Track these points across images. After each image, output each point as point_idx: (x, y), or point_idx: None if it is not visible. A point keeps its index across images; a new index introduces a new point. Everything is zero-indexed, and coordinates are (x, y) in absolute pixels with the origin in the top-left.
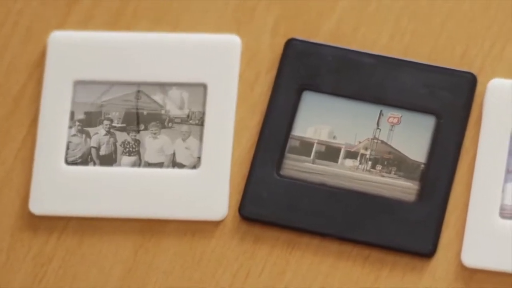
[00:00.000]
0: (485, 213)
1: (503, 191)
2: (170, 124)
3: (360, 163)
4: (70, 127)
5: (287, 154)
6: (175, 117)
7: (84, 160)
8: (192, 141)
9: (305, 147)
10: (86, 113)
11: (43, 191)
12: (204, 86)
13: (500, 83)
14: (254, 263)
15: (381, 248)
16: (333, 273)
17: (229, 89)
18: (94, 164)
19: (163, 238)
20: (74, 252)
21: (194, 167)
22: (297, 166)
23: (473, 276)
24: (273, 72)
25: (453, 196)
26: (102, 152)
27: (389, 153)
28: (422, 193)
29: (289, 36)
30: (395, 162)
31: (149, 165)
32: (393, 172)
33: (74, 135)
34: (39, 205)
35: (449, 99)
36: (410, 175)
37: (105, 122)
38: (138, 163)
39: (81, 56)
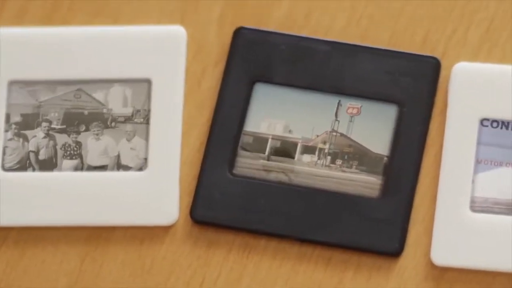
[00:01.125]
0: (455, 207)
1: (473, 182)
2: (113, 124)
3: (319, 158)
4: (6, 131)
5: (240, 152)
6: (119, 116)
7: (23, 165)
8: (138, 141)
9: (259, 143)
10: (22, 115)
11: None
12: (148, 82)
13: (465, 67)
14: (209, 269)
15: (344, 249)
16: (294, 277)
17: (175, 84)
18: (33, 169)
19: (110, 246)
20: (16, 264)
21: (141, 169)
22: (251, 164)
23: (444, 275)
24: (222, 65)
25: (420, 190)
26: (42, 156)
27: (349, 146)
28: (386, 188)
29: (237, 25)
30: (356, 155)
31: (93, 168)
32: (354, 166)
33: (10, 139)
34: None
35: (411, 86)
36: (373, 169)
37: (44, 124)
38: (80, 167)
39: (15, 53)
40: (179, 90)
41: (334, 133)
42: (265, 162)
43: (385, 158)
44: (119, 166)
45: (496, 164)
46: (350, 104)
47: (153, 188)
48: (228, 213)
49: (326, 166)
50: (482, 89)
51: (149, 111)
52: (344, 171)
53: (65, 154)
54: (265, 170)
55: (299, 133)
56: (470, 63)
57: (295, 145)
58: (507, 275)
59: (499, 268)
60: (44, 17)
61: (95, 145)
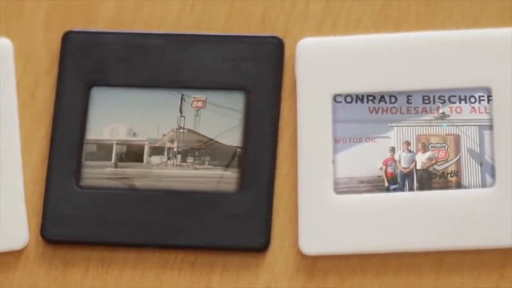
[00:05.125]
0: (318, 191)
1: (333, 163)
2: None
3: (169, 158)
4: None
5: (85, 162)
6: None
7: None
8: None
9: (104, 150)
10: None
11: None
12: None
13: (310, 43)
14: None
15: (208, 250)
16: (159, 286)
17: (8, 100)
18: None
19: None
20: None
21: None
22: (98, 174)
23: (316, 265)
24: (54, 72)
25: (279, 178)
26: None
27: (199, 141)
28: (243, 181)
29: (65, 29)
30: (207, 151)
31: None
32: (207, 162)
33: None
34: None
35: (256, 70)
36: (227, 162)
37: None
38: None
39: None
40: (13, 105)
41: (182, 130)
42: (113, 169)
43: (238, 150)
44: None
45: (355, 140)
46: (194, 98)
47: None
48: (80, 228)
49: (177, 165)
50: (330, 64)
51: None
52: (196, 169)
53: None
54: (114, 178)
55: (145, 135)
56: (314, 38)
57: (141, 147)
58: (382, 256)
59: (373, 249)
60: None
61: None
